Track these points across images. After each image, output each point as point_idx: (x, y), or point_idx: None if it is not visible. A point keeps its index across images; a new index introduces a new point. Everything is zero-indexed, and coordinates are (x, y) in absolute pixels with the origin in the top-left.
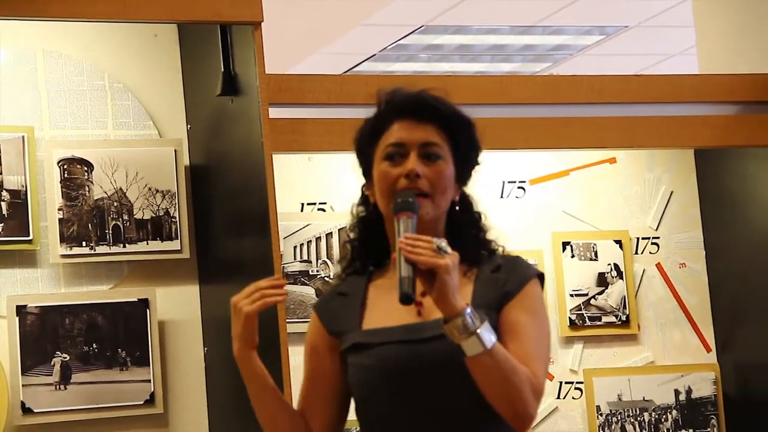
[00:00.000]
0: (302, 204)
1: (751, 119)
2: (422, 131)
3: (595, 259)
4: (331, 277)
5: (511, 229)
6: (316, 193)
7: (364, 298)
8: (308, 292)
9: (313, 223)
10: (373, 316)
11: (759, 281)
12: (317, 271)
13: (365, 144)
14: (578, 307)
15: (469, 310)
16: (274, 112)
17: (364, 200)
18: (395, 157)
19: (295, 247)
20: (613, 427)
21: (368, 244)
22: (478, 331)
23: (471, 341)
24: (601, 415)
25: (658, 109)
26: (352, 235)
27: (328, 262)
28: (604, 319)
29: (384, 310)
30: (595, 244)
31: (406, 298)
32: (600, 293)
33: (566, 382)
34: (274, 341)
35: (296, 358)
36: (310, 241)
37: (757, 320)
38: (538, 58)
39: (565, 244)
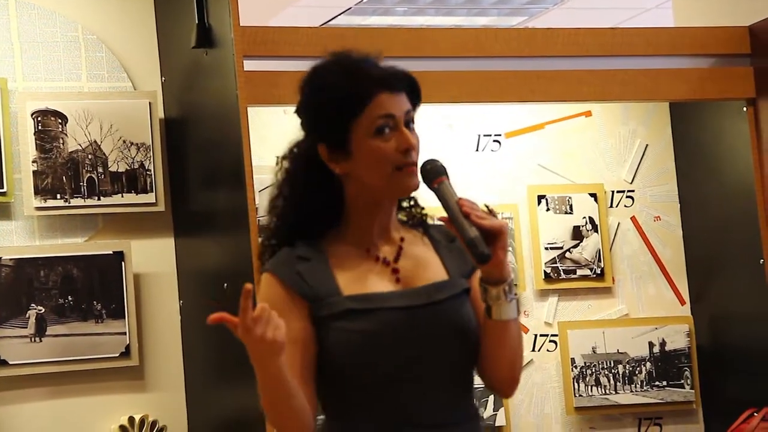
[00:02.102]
0: (278, 157)
1: (726, 72)
2: (401, 101)
3: (570, 213)
4: (267, 240)
5: (486, 182)
6: None
7: (327, 264)
8: None
9: None
10: (350, 283)
11: (733, 234)
12: None
13: (339, 116)
14: (553, 261)
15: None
16: (249, 65)
17: (315, 164)
18: (386, 130)
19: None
20: (587, 379)
21: (322, 209)
22: (519, 297)
23: (511, 306)
24: (576, 367)
25: (633, 62)
26: (295, 195)
27: None
28: (579, 272)
29: (358, 276)
30: (570, 198)
31: (485, 258)
32: (575, 246)
33: (541, 335)
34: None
35: None
36: None
37: (730, 273)
38: (513, 12)
39: (540, 198)
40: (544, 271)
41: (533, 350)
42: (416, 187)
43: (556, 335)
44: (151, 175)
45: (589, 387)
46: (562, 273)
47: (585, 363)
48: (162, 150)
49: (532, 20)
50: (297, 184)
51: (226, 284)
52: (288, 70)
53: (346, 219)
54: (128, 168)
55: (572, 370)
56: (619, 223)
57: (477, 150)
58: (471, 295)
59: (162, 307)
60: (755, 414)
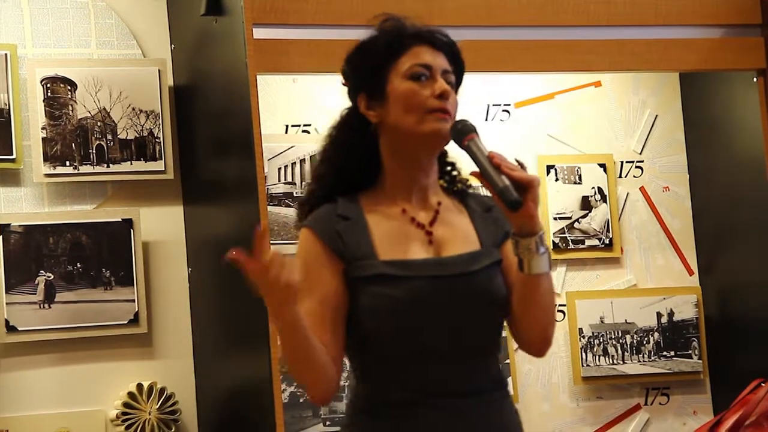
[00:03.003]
0: (287, 126)
1: (736, 42)
2: (441, 59)
3: (579, 183)
4: (304, 194)
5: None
6: (300, 115)
7: (366, 224)
8: (292, 213)
9: (298, 145)
10: (386, 245)
11: (741, 205)
12: (301, 193)
13: (378, 62)
14: (562, 231)
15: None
16: (259, 33)
17: (357, 118)
18: (422, 78)
19: (279, 168)
20: (595, 349)
21: (359, 166)
22: (550, 250)
23: (542, 259)
24: (584, 337)
25: (643, 32)
26: (335, 156)
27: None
28: (588, 242)
29: (393, 238)
30: (579, 168)
31: (517, 204)
32: (583, 216)
33: None
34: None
35: None
36: (294, 162)
37: (738, 243)
38: None
39: (549, 168)
40: (553, 241)
41: None
42: (446, 135)
43: (564, 305)
44: (160, 142)
45: (597, 357)
46: (570, 243)
47: (593, 333)
48: (171, 118)
49: None
50: (337, 143)
51: (234, 252)
52: (298, 38)
53: (382, 177)
54: (137, 135)
55: (580, 340)
56: (628, 194)
57: (486, 120)
58: (502, 265)
59: (171, 274)
60: (762, 384)
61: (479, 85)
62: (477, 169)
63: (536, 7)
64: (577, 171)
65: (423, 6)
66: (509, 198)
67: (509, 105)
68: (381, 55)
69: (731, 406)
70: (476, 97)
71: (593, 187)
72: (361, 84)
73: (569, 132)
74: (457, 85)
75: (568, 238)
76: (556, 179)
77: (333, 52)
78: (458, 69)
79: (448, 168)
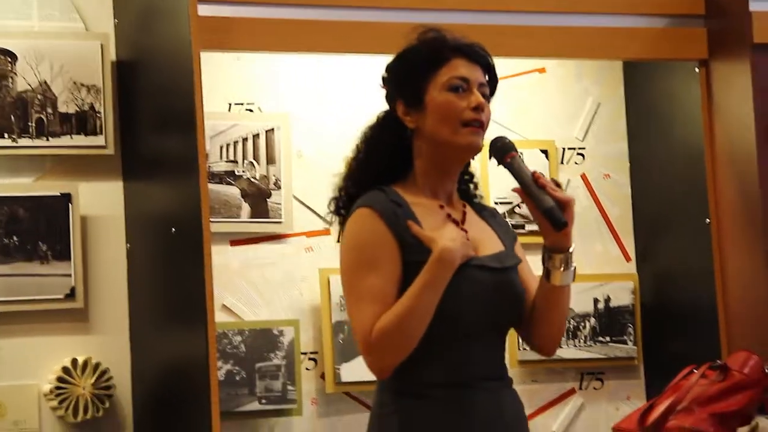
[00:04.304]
0: (230, 104)
1: (679, 32)
2: (478, 72)
3: None
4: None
5: None
6: (244, 93)
7: (414, 214)
8: (233, 192)
9: (241, 123)
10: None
11: (680, 194)
12: (243, 172)
13: (418, 72)
14: (503, 216)
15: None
16: (203, 10)
17: (394, 122)
18: (459, 90)
19: (221, 146)
20: None
21: (392, 165)
22: (575, 267)
23: (569, 273)
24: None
25: (588, 19)
26: (371, 155)
27: (254, 162)
28: (528, 227)
29: (438, 229)
30: (521, 153)
31: (563, 225)
32: None
33: None
34: (197, 240)
35: (218, 257)
36: (237, 141)
37: (675, 232)
38: None
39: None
40: None
41: None
42: (479, 148)
43: None
44: (101, 117)
45: None
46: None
47: None
48: (113, 93)
49: None
50: (373, 142)
51: (173, 229)
52: (242, 15)
53: (414, 176)
54: (78, 110)
55: None
56: (569, 180)
57: None
58: (519, 266)
59: (109, 250)
60: (694, 371)
61: None
62: (518, 186)
63: None
64: (520, 156)
65: None
66: (559, 219)
67: None
68: (421, 66)
69: (663, 392)
70: None
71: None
72: (401, 91)
73: (512, 117)
74: (490, 96)
75: (509, 223)
76: (498, 164)
77: (277, 30)
78: (492, 81)
79: (466, 177)
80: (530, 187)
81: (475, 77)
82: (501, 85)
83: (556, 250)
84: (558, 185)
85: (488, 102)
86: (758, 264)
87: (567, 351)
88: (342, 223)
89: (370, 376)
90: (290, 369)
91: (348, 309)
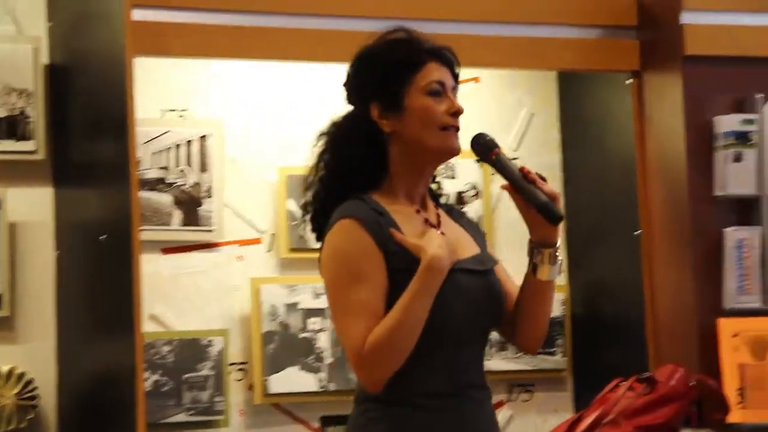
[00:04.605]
0: (162, 110)
1: (612, 44)
2: (449, 75)
3: (453, 178)
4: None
5: None
6: (177, 100)
7: (394, 221)
8: (165, 199)
9: (173, 130)
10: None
11: (612, 204)
12: (175, 179)
13: (396, 75)
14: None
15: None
16: (138, 14)
17: (365, 125)
18: (437, 94)
19: (153, 153)
20: None
21: (366, 169)
22: (561, 261)
23: (556, 267)
24: None
25: (522, 29)
26: (343, 160)
27: (186, 169)
28: None
29: (419, 234)
30: (454, 163)
31: (560, 218)
32: None
33: None
34: (126, 248)
35: (149, 266)
36: (169, 148)
37: (606, 243)
38: None
39: None
40: None
41: None
42: (459, 151)
43: None
44: (32, 122)
45: None
46: None
47: None
48: (45, 97)
49: None
50: (345, 147)
51: (103, 236)
52: (177, 21)
53: (389, 181)
54: (8, 114)
55: None
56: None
57: None
58: (496, 268)
59: (37, 257)
60: (622, 383)
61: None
62: (506, 183)
63: (415, 1)
64: (452, 166)
65: None
66: (553, 213)
67: None
68: (400, 68)
69: (591, 404)
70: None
71: (468, 183)
72: (377, 94)
73: None
74: None
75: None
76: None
77: (211, 36)
78: (456, 84)
79: (434, 184)
80: (521, 182)
81: (449, 81)
82: None
83: (545, 245)
84: (543, 179)
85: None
86: (686, 275)
87: (496, 363)
88: (320, 237)
89: (299, 388)
90: (218, 380)
91: (335, 323)
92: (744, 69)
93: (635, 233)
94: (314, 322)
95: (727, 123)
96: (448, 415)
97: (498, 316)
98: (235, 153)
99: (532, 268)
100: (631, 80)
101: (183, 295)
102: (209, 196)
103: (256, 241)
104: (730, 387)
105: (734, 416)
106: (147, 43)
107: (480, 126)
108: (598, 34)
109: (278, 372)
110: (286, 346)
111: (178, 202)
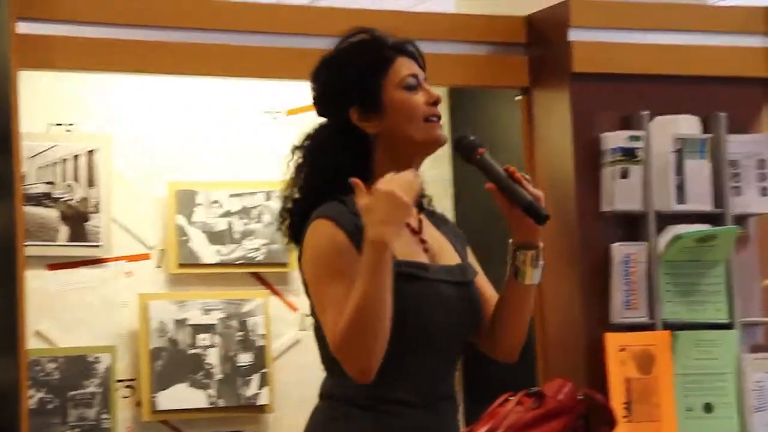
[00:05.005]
0: (49, 124)
1: (502, 60)
2: (417, 66)
3: None
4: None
5: (264, 159)
6: (64, 114)
7: None
8: (51, 214)
9: (60, 144)
10: (397, 247)
11: (503, 220)
12: (61, 194)
13: (370, 75)
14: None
15: None
16: (23, 27)
17: (347, 131)
18: (413, 87)
19: (39, 168)
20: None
21: (352, 169)
22: (543, 263)
23: (538, 271)
24: None
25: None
26: (326, 167)
27: (73, 184)
28: None
29: (401, 242)
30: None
31: (546, 218)
32: None
33: (309, 315)
34: (10, 264)
35: (35, 281)
36: (56, 162)
37: (497, 260)
38: None
39: None
40: None
41: (301, 330)
42: (444, 141)
43: None
44: None
45: None
46: None
47: None
48: None
49: (319, 0)
50: (321, 156)
51: None
52: (64, 34)
53: (373, 183)
54: None
55: None
56: None
57: (257, 126)
58: (476, 278)
59: None
60: (511, 398)
61: (252, 90)
62: (491, 183)
63: (305, 16)
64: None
65: (206, 8)
66: (539, 213)
67: (280, 112)
68: (372, 68)
69: (480, 419)
70: (247, 102)
71: None
72: (354, 98)
73: None
74: None
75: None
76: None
77: (99, 50)
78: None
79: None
80: (506, 182)
81: (420, 72)
82: None
83: (528, 246)
84: (528, 180)
85: None
86: (574, 290)
87: None
88: (298, 241)
89: (188, 404)
90: (105, 397)
91: (320, 321)
92: (630, 86)
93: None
94: (203, 339)
95: (614, 139)
96: (408, 424)
97: (475, 328)
98: (124, 168)
99: (514, 271)
100: (520, 96)
101: (70, 311)
102: (97, 212)
103: (145, 257)
104: (616, 401)
105: (620, 430)
106: (32, 56)
107: None
108: (488, 51)
109: (167, 389)
110: (175, 363)
111: (65, 218)
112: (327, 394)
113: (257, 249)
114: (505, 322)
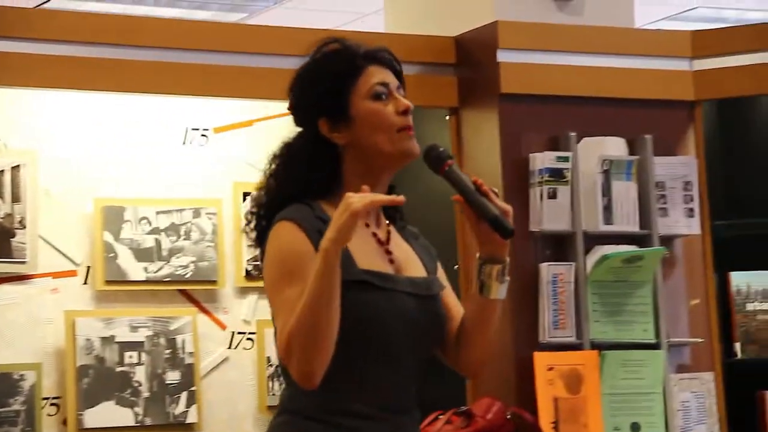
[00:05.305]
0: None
1: (431, 80)
2: (392, 76)
3: None
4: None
5: (192, 176)
6: None
7: None
8: None
9: None
10: (361, 256)
11: (432, 240)
12: None
13: (338, 86)
14: (255, 258)
15: None
16: None
17: (317, 141)
18: (382, 96)
19: None
20: (281, 377)
21: (321, 180)
22: (509, 278)
23: (504, 286)
24: (271, 365)
25: None
26: (296, 177)
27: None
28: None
29: (363, 249)
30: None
31: (511, 232)
32: None
33: (239, 332)
34: None
35: None
36: None
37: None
38: (234, 8)
39: (245, 195)
40: (246, 269)
41: (230, 347)
42: (417, 153)
43: (254, 333)
44: None
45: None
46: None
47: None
48: None
49: (252, 17)
50: (294, 160)
51: None
52: None
53: (343, 191)
54: None
55: (267, 368)
56: None
57: (184, 143)
58: (443, 292)
59: None
60: (440, 417)
61: (179, 107)
62: (458, 195)
63: (240, 34)
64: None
65: (128, 25)
66: (504, 227)
67: (208, 130)
68: (340, 79)
69: None
70: (174, 119)
71: None
72: (323, 109)
73: (267, 160)
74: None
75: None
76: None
77: (26, 66)
78: (402, 84)
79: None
80: (473, 194)
81: (392, 81)
82: (256, 128)
83: (494, 261)
84: (496, 193)
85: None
86: (504, 309)
87: None
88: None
89: (115, 422)
90: (30, 415)
91: (274, 325)
92: (558, 107)
93: (454, 267)
94: (131, 356)
95: (542, 160)
96: None
97: (438, 343)
98: (50, 184)
99: (480, 286)
100: (449, 116)
101: None
102: (22, 228)
103: (72, 273)
104: (545, 420)
105: None
106: None
107: None
108: (417, 71)
109: (93, 406)
110: (102, 380)
111: None
112: (282, 406)
113: (185, 266)
114: (469, 336)
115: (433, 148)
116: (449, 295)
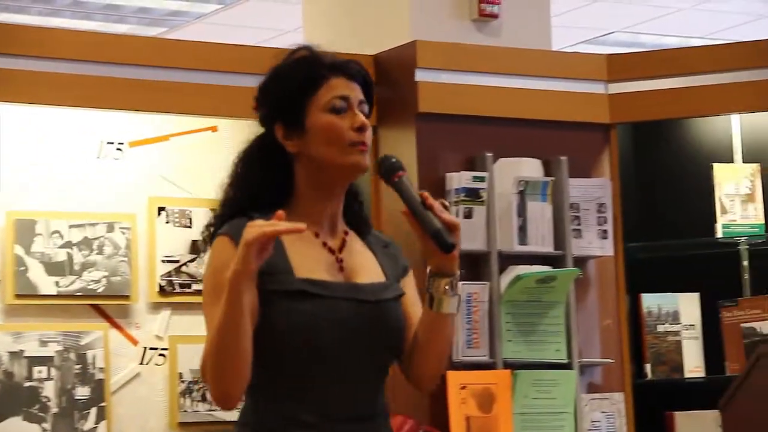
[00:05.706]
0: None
1: None
2: (357, 90)
3: (189, 226)
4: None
5: (106, 190)
6: None
7: (281, 241)
8: None
9: None
10: (301, 264)
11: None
12: None
13: (296, 94)
14: (169, 274)
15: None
16: None
17: (272, 144)
18: (340, 111)
19: None
20: (194, 394)
21: (270, 184)
22: (460, 293)
23: (454, 300)
24: (183, 381)
25: (255, 80)
26: (249, 180)
27: None
28: (194, 286)
29: (308, 258)
30: (190, 211)
31: (451, 247)
32: (192, 260)
33: (151, 348)
34: None
35: None
36: None
37: None
38: (153, 22)
39: (160, 209)
40: (159, 284)
41: (142, 363)
42: (365, 168)
43: (166, 349)
44: None
45: (196, 402)
46: (177, 286)
47: (193, 378)
48: None
49: (172, 32)
50: (251, 167)
51: None
52: None
53: (295, 201)
54: None
55: (179, 385)
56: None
57: (98, 157)
58: (403, 299)
59: None
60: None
61: (93, 121)
62: (406, 207)
63: (156, 48)
64: (188, 214)
65: (43, 37)
66: (444, 241)
67: (123, 143)
68: (299, 87)
69: None
70: (89, 132)
71: (203, 231)
72: (279, 114)
73: (183, 175)
74: (369, 111)
75: (175, 281)
76: (167, 222)
77: None
78: (370, 97)
79: (356, 206)
80: (418, 207)
81: (354, 95)
82: (172, 142)
83: (442, 275)
84: (445, 207)
85: (368, 116)
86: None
87: (228, 413)
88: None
89: None
90: None
91: None
92: (475, 127)
93: None
94: (40, 371)
95: (458, 179)
96: None
97: (392, 350)
98: None
99: (429, 299)
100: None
101: None
102: None
103: None
104: None
105: None
106: None
107: (216, 175)
108: None
109: (0, 422)
110: (9, 395)
111: None
112: (239, 421)
113: (98, 281)
114: (420, 350)
115: (386, 158)
116: (412, 304)
